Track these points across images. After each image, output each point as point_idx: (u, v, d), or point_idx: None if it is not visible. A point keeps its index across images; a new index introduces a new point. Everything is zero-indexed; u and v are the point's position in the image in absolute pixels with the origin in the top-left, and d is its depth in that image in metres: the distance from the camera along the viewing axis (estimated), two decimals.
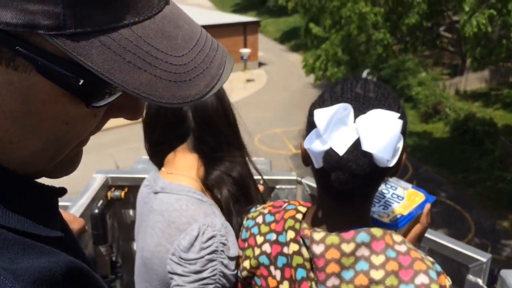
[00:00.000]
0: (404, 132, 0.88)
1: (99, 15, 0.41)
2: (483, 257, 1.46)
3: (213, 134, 1.26)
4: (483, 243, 11.26)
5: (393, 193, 1.13)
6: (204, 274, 1.11)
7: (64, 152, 0.51)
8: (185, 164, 1.25)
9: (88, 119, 0.49)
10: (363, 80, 0.92)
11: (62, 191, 0.57)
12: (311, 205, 1.02)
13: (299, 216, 0.97)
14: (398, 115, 0.83)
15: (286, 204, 1.05)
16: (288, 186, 2.02)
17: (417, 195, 1.13)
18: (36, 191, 0.52)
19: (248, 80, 26.02)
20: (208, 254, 1.11)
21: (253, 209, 1.13)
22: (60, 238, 0.52)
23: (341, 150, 0.81)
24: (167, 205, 1.19)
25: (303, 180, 1.99)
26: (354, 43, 9.05)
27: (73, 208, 1.68)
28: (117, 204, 1.96)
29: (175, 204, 1.18)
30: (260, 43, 29.03)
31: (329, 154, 0.82)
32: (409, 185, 1.16)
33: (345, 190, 0.86)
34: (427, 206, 1.10)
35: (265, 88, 25.33)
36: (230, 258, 1.13)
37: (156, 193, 1.24)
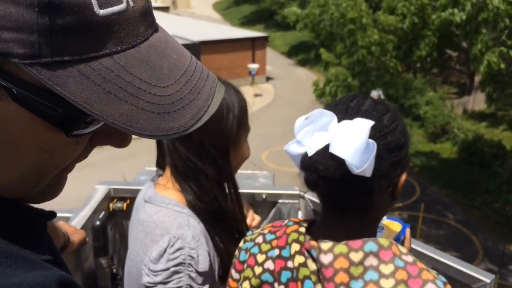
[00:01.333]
0: (399, 149, 0.89)
1: (77, 44, 0.40)
2: (486, 278, 1.42)
3: (197, 153, 1.22)
4: (490, 268, 11.23)
5: None
6: (170, 285, 1.10)
7: (45, 180, 0.49)
8: (173, 176, 1.26)
9: (70, 148, 0.47)
10: (365, 97, 0.94)
11: (50, 215, 0.55)
12: (311, 220, 1.03)
13: (302, 229, 0.97)
14: (372, 122, 0.84)
15: (286, 221, 1.05)
16: (291, 201, 2.00)
17: (394, 224, 1.19)
18: (23, 214, 0.50)
19: (256, 95, 26.15)
20: (174, 266, 1.11)
21: (249, 233, 1.11)
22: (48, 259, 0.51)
23: (310, 151, 0.84)
24: (147, 216, 1.21)
25: (306, 195, 1.97)
26: (365, 69, 9.15)
27: (75, 219, 1.66)
28: (119, 216, 1.94)
29: (154, 215, 1.19)
30: (267, 57, 29.21)
31: (303, 156, 0.86)
32: (384, 217, 1.21)
33: (337, 200, 0.91)
34: (408, 231, 1.18)
35: (272, 104, 25.44)
36: (199, 272, 1.12)
37: (145, 201, 1.26)
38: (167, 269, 1.11)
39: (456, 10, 7.56)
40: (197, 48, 23.44)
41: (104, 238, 1.66)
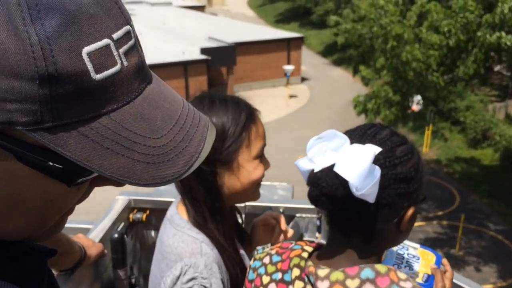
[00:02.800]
0: (408, 182, 0.89)
1: (76, 108, 0.43)
2: None
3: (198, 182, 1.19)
4: None
5: (408, 253, 1.17)
6: None
7: (49, 224, 0.52)
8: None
9: (71, 194, 0.51)
10: (384, 127, 0.95)
11: (50, 253, 0.58)
12: (316, 244, 1.04)
13: (305, 254, 0.98)
14: (379, 149, 0.87)
15: (293, 244, 1.06)
16: (309, 215, 1.93)
17: (428, 254, 1.17)
18: (24, 255, 0.53)
19: (291, 96, 26.09)
20: None
21: (260, 250, 1.13)
22: None
23: (317, 168, 0.87)
24: (165, 238, 1.22)
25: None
26: (406, 85, 9.03)
27: (94, 231, 1.68)
28: (139, 226, 1.95)
29: (170, 239, 1.20)
30: (302, 56, 29.07)
31: (311, 172, 0.89)
32: (417, 245, 1.20)
33: (340, 223, 0.92)
34: (445, 261, 1.15)
35: (308, 105, 25.32)
36: None
37: (168, 220, 1.26)
38: None
39: (503, 33, 7.36)
40: (233, 50, 23.57)
41: (122, 250, 1.67)
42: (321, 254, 0.99)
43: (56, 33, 0.41)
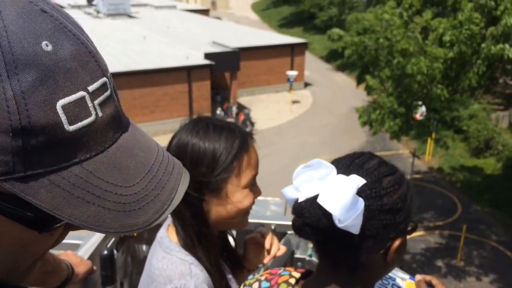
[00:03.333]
0: (394, 213, 0.88)
1: (48, 158, 0.44)
2: None
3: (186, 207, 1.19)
4: None
5: (393, 284, 1.14)
6: None
7: (21, 268, 0.52)
8: None
9: (44, 240, 0.51)
10: (373, 156, 0.94)
11: None
12: (305, 271, 1.04)
13: (292, 280, 0.99)
14: (363, 181, 0.86)
15: (281, 270, 1.06)
16: None
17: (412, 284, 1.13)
18: None
19: (294, 102, 26.13)
20: None
21: (250, 276, 1.13)
22: None
23: (302, 197, 0.87)
24: (154, 260, 1.21)
25: None
26: (412, 98, 9.04)
27: (84, 247, 1.66)
28: (130, 240, 1.95)
29: (159, 262, 1.19)
30: (305, 61, 29.10)
31: (295, 201, 0.89)
32: (406, 276, 1.16)
33: (326, 253, 0.92)
34: (435, 282, 1.10)
35: (310, 111, 25.34)
36: None
37: (158, 242, 1.25)
38: None
39: (507, 46, 7.37)
40: (236, 56, 23.62)
41: (111, 267, 1.67)
42: (308, 282, 0.99)
43: (31, 88, 0.43)
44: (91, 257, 1.62)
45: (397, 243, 0.91)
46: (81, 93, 0.46)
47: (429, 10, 9.10)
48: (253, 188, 1.22)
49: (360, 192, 0.85)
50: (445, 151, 17.30)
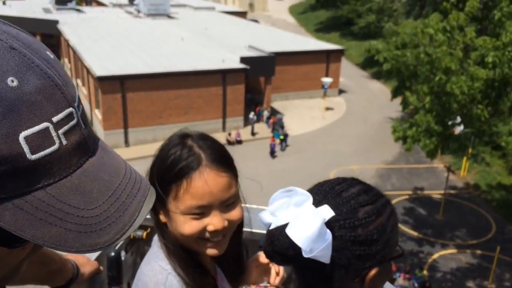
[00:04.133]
0: (369, 244, 0.87)
1: (12, 184, 0.47)
2: None
3: None
4: None
5: None
6: None
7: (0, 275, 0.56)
8: None
9: (16, 253, 0.53)
10: (354, 184, 0.92)
11: None
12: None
13: None
14: (331, 213, 0.85)
15: (266, 283, 1.08)
16: None
17: None
18: None
19: (327, 109, 25.98)
20: None
21: None
22: None
23: (275, 223, 0.87)
24: (143, 264, 1.23)
25: None
26: (450, 117, 8.88)
27: None
28: (140, 243, 1.96)
29: (143, 267, 1.21)
30: (341, 68, 28.89)
31: (268, 226, 0.90)
32: None
33: (301, 277, 0.93)
34: None
35: (343, 119, 25.13)
36: None
37: (151, 246, 1.26)
38: None
39: None
40: (272, 61, 23.68)
41: (117, 269, 1.70)
42: None
43: None
44: (98, 258, 1.64)
45: (373, 272, 0.89)
46: (44, 124, 0.48)
47: (472, 26, 8.91)
48: (203, 218, 1.13)
49: (333, 221, 0.85)
50: (482, 167, 16.87)
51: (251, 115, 23.06)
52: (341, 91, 28.93)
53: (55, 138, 0.49)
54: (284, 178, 17.90)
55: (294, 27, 47.76)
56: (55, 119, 0.49)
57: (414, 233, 14.95)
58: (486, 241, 14.16)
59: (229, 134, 21.66)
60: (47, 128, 0.48)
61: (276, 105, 25.89)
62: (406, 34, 9.82)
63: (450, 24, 8.60)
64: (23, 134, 0.46)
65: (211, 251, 1.17)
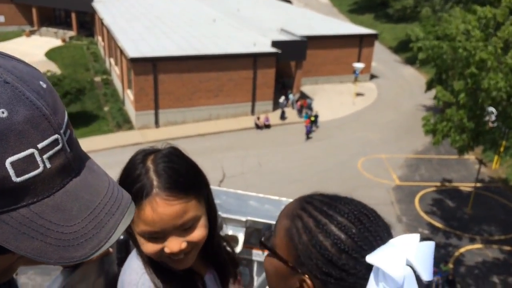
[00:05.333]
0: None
1: (0, 201, 0.52)
2: None
3: None
4: None
5: None
6: None
7: None
8: None
9: (5, 258, 0.62)
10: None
11: None
12: None
13: None
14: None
15: None
16: None
17: None
18: None
19: (358, 94, 25.63)
20: None
21: None
22: None
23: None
24: (128, 258, 1.28)
25: None
26: (483, 113, 8.70)
27: None
28: None
29: (126, 263, 1.27)
30: (374, 52, 28.34)
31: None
32: None
33: None
34: None
35: (374, 105, 24.74)
36: None
37: None
38: None
39: None
40: (303, 45, 23.45)
41: (126, 250, 1.75)
42: None
43: None
44: None
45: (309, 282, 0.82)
46: (30, 150, 0.53)
47: (509, 21, 8.64)
48: (158, 241, 1.13)
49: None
50: None
51: (282, 99, 23.04)
52: (372, 76, 28.43)
53: (39, 162, 0.54)
54: (313, 165, 17.92)
55: (328, 7, 46.88)
56: (40, 145, 0.54)
57: (441, 226, 14.84)
58: None
59: (258, 118, 21.75)
60: (32, 154, 0.53)
61: (306, 89, 25.73)
62: (449, 24, 9.55)
63: (487, 21, 8.35)
64: (9, 160, 0.52)
65: (177, 266, 1.18)
